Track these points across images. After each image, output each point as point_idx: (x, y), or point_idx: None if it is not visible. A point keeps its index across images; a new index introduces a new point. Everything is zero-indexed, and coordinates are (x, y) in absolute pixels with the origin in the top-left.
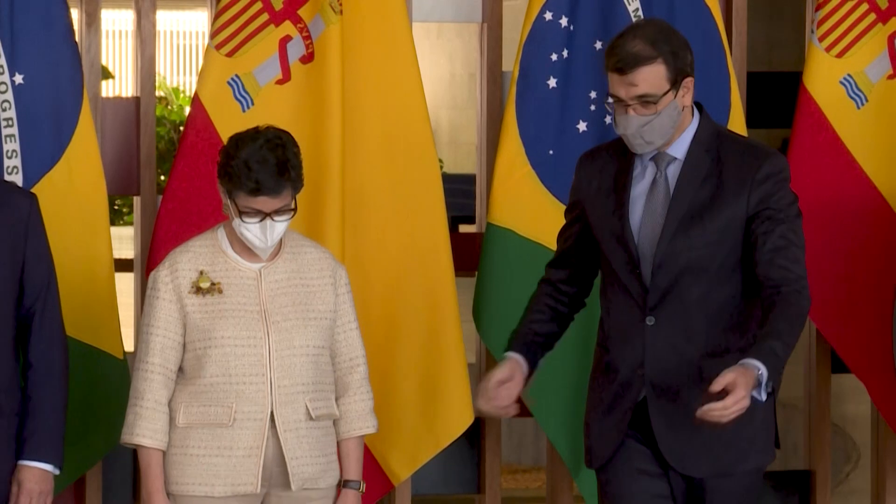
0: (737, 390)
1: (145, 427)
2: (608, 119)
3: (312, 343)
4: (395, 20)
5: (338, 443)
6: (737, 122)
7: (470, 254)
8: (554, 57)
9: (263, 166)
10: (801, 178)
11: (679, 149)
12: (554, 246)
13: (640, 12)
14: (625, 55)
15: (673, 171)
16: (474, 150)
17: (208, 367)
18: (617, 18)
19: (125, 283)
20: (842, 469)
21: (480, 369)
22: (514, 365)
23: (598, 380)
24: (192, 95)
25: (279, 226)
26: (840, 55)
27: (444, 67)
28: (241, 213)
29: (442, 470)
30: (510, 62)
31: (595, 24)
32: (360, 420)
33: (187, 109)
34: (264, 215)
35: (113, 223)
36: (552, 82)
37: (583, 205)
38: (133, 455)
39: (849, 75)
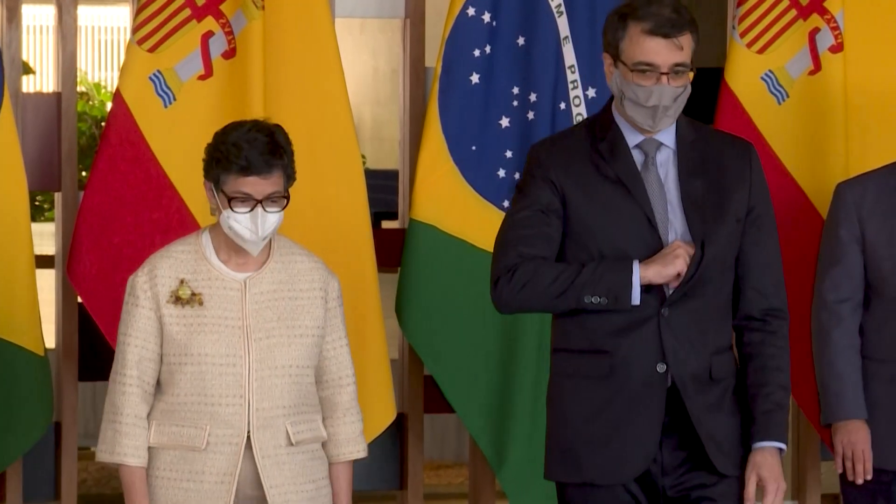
0: (770, 485)
1: (127, 444)
2: (531, 115)
3: (296, 363)
4: (317, 16)
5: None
6: None
7: (393, 250)
8: (476, 53)
9: (253, 145)
10: None
11: (666, 135)
12: (477, 242)
13: (562, 8)
14: (670, 18)
15: (663, 159)
16: (397, 146)
17: (182, 384)
18: (539, 14)
19: (46, 280)
20: None
21: (403, 365)
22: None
23: (589, 387)
24: (114, 91)
25: (271, 217)
26: (761, 51)
27: (366, 63)
28: (230, 202)
29: (364, 466)
30: (433, 58)
31: (518, 20)
32: (350, 444)
33: (109, 105)
34: (255, 203)
35: (34, 219)
36: (475, 78)
37: (563, 196)
38: (55, 453)
39: (770, 71)
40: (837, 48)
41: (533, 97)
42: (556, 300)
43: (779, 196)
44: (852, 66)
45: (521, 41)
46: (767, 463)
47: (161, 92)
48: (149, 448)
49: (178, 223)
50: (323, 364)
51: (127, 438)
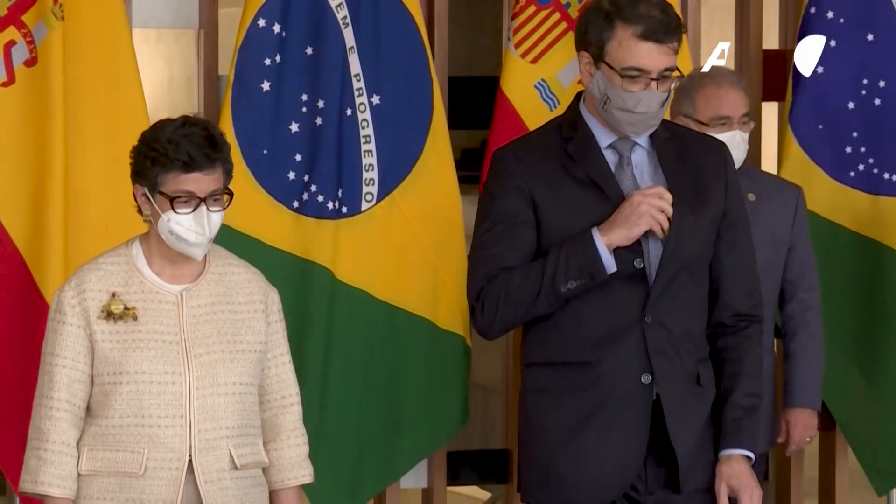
0: (744, 494)
1: (52, 474)
2: (319, 120)
3: (240, 380)
4: (115, 26)
5: (270, 493)
6: (439, 124)
7: None
8: (267, 62)
9: (190, 139)
10: None
11: (645, 134)
12: (267, 240)
13: (347, 20)
14: (662, 21)
15: (639, 159)
16: None
17: (117, 406)
18: (326, 26)
19: None
20: None
21: None
22: None
23: (568, 402)
24: None
25: (215, 216)
26: (534, 61)
27: (162, 71)
28: (171, 202)
29: None
30: (226, 66)
31: (306, 31)
32: (296, 468)
33: None
34: (198, 201)
35: None
36: (266, 86)
37: (533, 202)
38: None
39: (542, 80)
40: None
41: (321, 104)
42: (535, 302)
43: None
44: None
45: (309, 51)
46: (735, 472)
47: None
48: (81, 476)
49: None
50: (265, 383)
51: (52, 467)
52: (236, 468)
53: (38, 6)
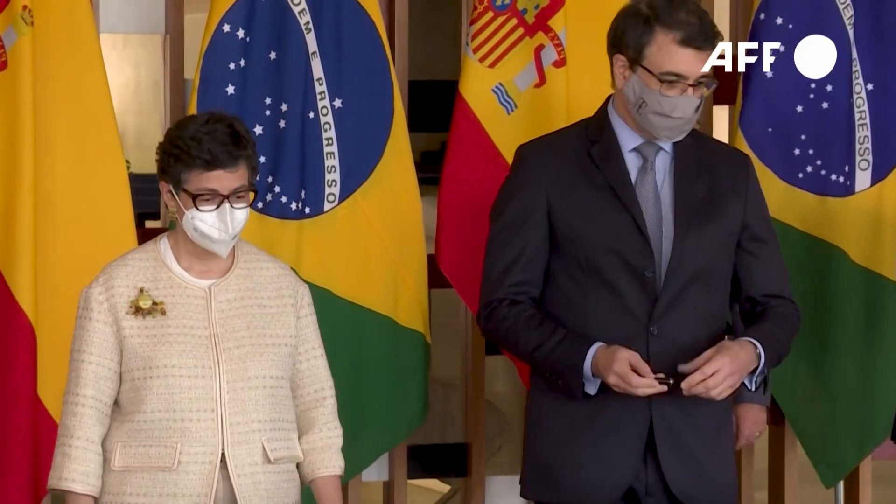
0: (731, 376)
1: (75, 470)
2: (282, 123)
3: (270, 373)
4: (83, 31)
5: (310, 483)
6: (399, 127)
7: None
8: (232, 66)
9: (213, 136)
10: (459, 176)
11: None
12: None
13: (310, 25)
14: (702, 29)
15: (662, 164)
16: None
17: (149, 401)
18: (289, 31)
19: None
20: (494, 442)
21: None
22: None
23: (571, 406)
24: None
25: (239, 213)
26: (492, 66)
27: (129, 75)
28: (194, 200)
29: None
30: (191, 70)
31: (269, 36)
32: (334, 458)
33: None
34: (221, 199)
35: None
36: (230, 89)
37: (547, 206)
38: None
39: (500, 84)
40: (560, 63)
41: (284, 107)
42: (523, 359)
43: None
44: (574, 79)
45: (272, 55)
46: (732, 345)
47: None
48: (115, 472)
49: None
50: (298, 378)
51: (76, 463)
52: (269, 462)
53: (7, 12)
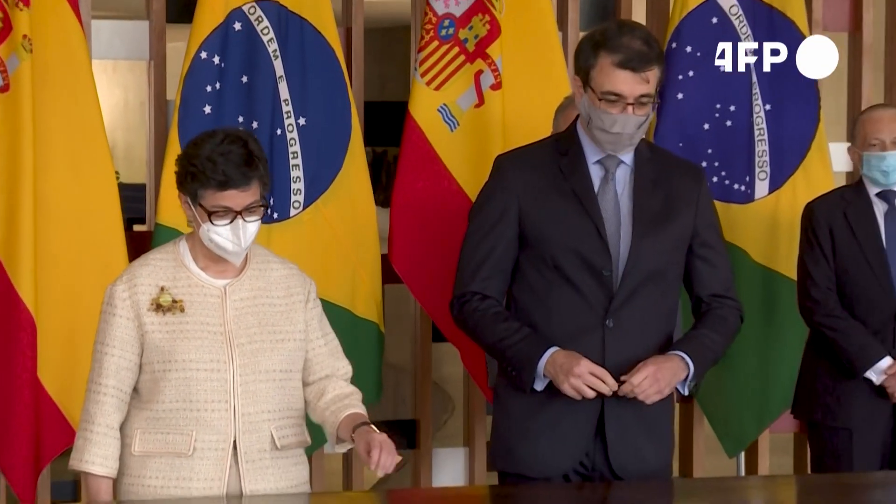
0: (647, 368)
1: (95, 453)
2: None
3: (280, 367)
4: (77, 57)
5: (341, 423)
6: (356, 142)
7: (142, 248)
8: (209, 88)
9: (228, 158)
10: (409, 185)
11: (626, 152)
12: None
13: (277, 53)
14: (639, 53)
15: (622, 175)
16: (145, 165)
17: (167, 392)
18: (259, 58)
19: None
20: (440, 418)
21: None
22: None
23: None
24: None
25: (251, 226)
26: (437, 88)
27: (119, 96)
28: (209, 216)
29: None
30: (173, 92)
31: (242, 62)
32: (353, 395)
33: None
34: (234, 214)
35: None
36: (207, 109)
37: (518, 209)
38: None
39: (444, 104)
40: (497, 86)
41: (255, 125)
42: (486, 349)
43: (451, 204)
44: (509, 101)
45: (244, 79)
46: (661, 360)
47: None
48: (135, 456)
49: None
50: (309, 365)
51: (96, 447)
52: (277, 448)
53: (10, 41)
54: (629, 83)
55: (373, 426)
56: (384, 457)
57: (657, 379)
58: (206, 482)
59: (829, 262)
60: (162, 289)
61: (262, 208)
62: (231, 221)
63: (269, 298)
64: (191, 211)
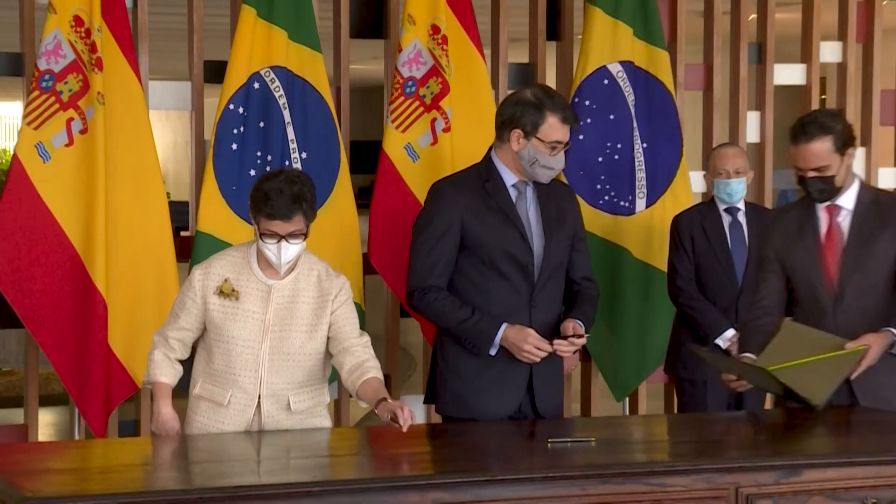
0: (581, 340)
1: (157, 372)
2: (268, 168)
3: (302, 351)
4: (138, 108)
5: (360, 387)
6: (344, 171)
7: (186, 249)
8: (235, 131)
9: (280, 197)
10: (383, 203)
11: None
12: (232, 241)
13: (286, 105)
14: (572, 113)
15: (529, 194)
16: (188, 187)
17: (217, 356)
18: (272, 108)
19: None
20: (405, 373)
21: None
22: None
23: (473, 354)
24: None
25: (292, 248)
26: (403, 131)
27: (169, 137)
28: (261, 235)
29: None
30: (209, 133)
31: (259, 112)
32: (367, 363)
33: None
34: (280, 237)
35: None
36: (234, 146)
37: (461, 222)
38: None
39: (409, 143)
40: (447, 130)
41: (269, 158)
42: (446, 329)
43: (413, 216)
44: (456, 141)
45: (261, 125)
46: (577, 327)
47: (42, 154)
48: (195, 396)
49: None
50: (342, 358)
51: (158, 368)
52: (291, 410)
53: (88, 95)
54: (567, 133)
55: (388, 397)
56: (407, 414)
57: (572, 342)
58: (235, 425)
59: (690, 259)
60: (227, 280)
61: (304, 235)
62: (277, 242)
63: (304, 297)
64: (254, 226)
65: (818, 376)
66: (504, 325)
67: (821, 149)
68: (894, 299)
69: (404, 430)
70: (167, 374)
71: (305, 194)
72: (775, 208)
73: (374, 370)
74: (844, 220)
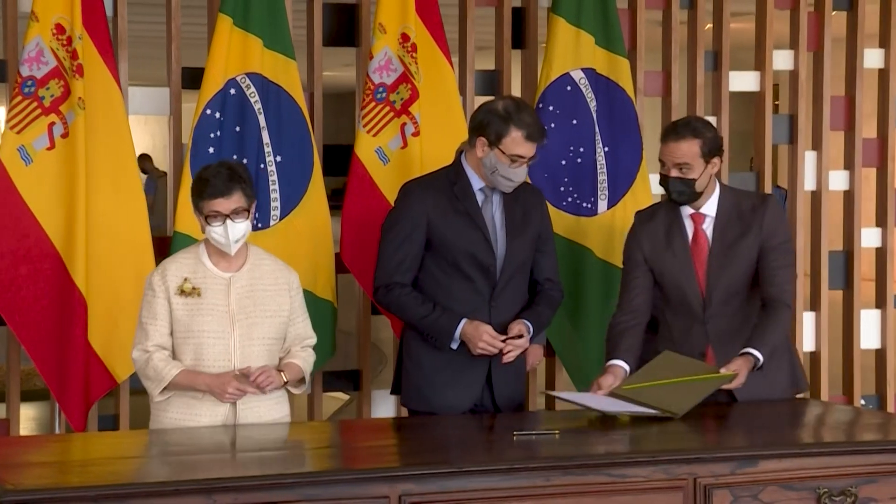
0: (521, 341)
1: (166, 371)
2: None
3: (269, 336)
4: (117, 112)
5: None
6: (317, 173)
7: (164, 249)
8: (212, 135)
9: (217, 177)
10: (355, 204)
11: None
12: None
13: (261, 109)
14: (539, 128)
15: (496, 198)
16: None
17: (186, 353)
18: (248, 113)
19: None
20: (376, 368)
21: None
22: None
23: (435, 350)
24: None
25: (238, 226)
26: (375, 135)
27: (148, 141)
28: (207, 219)
29: None
30: (186, 137)
31: (235, 116)
32: (297, 356)
33: None
34: (224, 217)
35: None
36: (211, 150)
37: (427, 222)
38: None
39: (379, 146)
40: (416, 134)
41: (245, 160)
42: (409, 324)
43: (383, 217)
44: (425, 144)
45: (237, 129)
46: (523, 329)
47: (24, 157)
48: (162, 398)
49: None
50: (289, 336)
51: (166, 365)
52: (264, 393)
53: (69, 101)
54: (531, 149)
55: (285, 371)
56: (263, 377)
57: (519, 346)
58: (211, 417)
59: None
60: (185, 279)
61: (247, 212)
62: (223, 223)
63: (262, 285)
64: (199, 219)
65: (683, 394)
66: (463, 321)
67: (688, 149)
68: (757, 303)
69: (251, 379)
70: (176, 364)
71: (241, 173)
72: (640, 210)
73: (299, 359)
74: (709, 227)
